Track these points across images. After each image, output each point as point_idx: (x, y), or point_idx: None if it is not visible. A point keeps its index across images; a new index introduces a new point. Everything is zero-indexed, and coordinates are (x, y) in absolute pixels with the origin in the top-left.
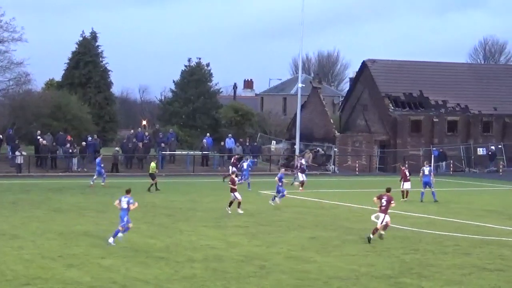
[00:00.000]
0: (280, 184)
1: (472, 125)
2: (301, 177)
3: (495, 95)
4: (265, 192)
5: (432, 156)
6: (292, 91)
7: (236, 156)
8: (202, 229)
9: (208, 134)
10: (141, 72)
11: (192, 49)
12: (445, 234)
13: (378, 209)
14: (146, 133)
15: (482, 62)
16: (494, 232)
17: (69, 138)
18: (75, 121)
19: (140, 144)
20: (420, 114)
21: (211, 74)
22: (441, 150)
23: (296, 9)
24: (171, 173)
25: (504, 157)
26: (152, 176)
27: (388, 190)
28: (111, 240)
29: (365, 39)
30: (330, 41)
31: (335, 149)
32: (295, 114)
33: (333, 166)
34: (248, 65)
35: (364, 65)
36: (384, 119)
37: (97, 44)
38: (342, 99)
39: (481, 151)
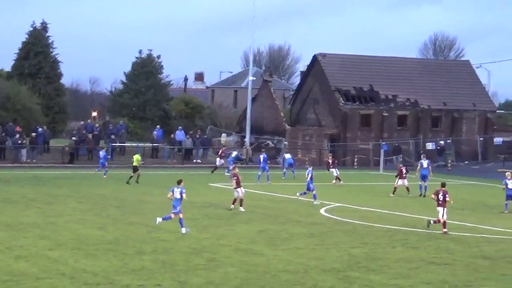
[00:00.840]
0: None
1: (421, 120)
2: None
3: (445, 90)
4: (215, 184)
5: (382, 150)
6: (243, 84)
7: (224, 149)
8: (151, 221)
9: (158, 126)
10: (91, 63)
11: (143, 41)
12: (394, 228)
13: (436, 204)
14: (96, 125)
15: (432, 57)
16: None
17: (18, 129)
18: (25, 112)
19: (90, 136)
20: (370, 109)
21: (162, 66)
22: (396, 144)
23: (248, 2)
24: (121, 165)
25: (453, 152)
26: (135, 169)
27: (443, 185)
28: (184, 230)
29: (318, 33)
30: (281, 35)
31: (285, 143)
32: (246, 107)
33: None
34: (199, 57)
35: (315, 59)
36: (334, 113)
37: (47, 34)
38: (293, 92)
39: (430, 145)
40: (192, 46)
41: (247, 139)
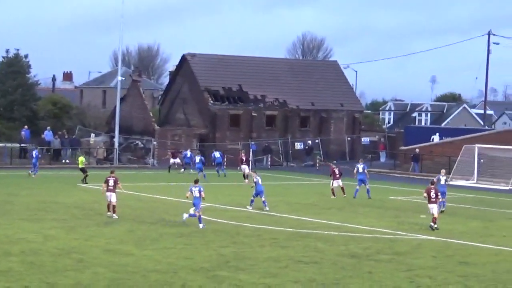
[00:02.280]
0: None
1: (290, 120)
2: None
3: (313, 91)
4: (83, 185)
5: (251, 150)
6: (112, 84)
7: (176, 148)
8: (19, 222)
9: (26, 126)
10: None
11: (10, 40)
12: (263, 227)
13: (427, 201)
14: None
15: (301, 57)
16: (310, 225)
17: None
18: None
19: None
20: (239, 109)
21: (29, 66)
22: (266, 144)
23: (117, 1)
24: None
25: (321, 151)
26: (83, 170)
27: (433, 183)
28: (201, 225)
29: (189, 33)
30: (151, 35)
31: (155, 143)
32: (115, 107)
33: (152, 160)
34: (68, 57)
35: (184, 59)
36: (204, 113)
37: None
38: (162, 92)
39: (298, 145)
40: (60, 46)
41: (116, 139)
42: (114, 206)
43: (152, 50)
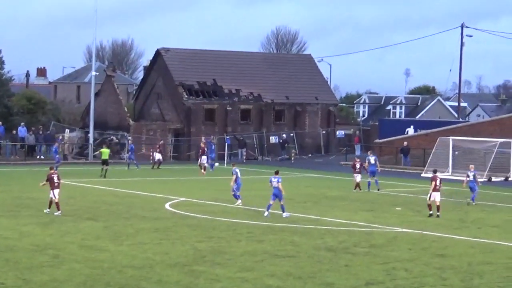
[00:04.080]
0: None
1: (265, 114)
2: None
3: (287, 84)
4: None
5: (226, 144)
6: (86, 79)
7: (161, 143)
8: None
9: (0, 122)
10: None
11: None
12: (239, 221)
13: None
14: None
15: (275, 51)
16: (286, 219)
17: None
18: None
19: None
20: (214, 103)
21: (3, 62)
22: (241, 138)
23: None
24: None
25: (296, 145)
26: (104, 162)
27: (435, 171)
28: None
29: (164, 28)
30: (126, 30)
31: (129, 138)
32: (89, 103)
33: (127, 155)
34: (42, 53)
35: (158, 53)
36: (178, 108)
37: None
38: (136, 87)
39: (273, 139)
40: (34, 41)
41: (90, 135)
42: (57, 203)
43: (126, 45)
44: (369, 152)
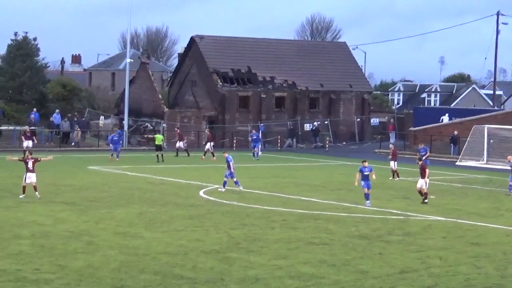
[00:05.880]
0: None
1: (299, 101)
2: None
3: (322, 72)
4: (93, 167)
5: (260, 131)
6: (121, 66)
7: (179, 131)
8: (29, 205)
9: (35, 109)
10: None
11: (19, 23)
12: (272, 209)
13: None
14: None
15: (310, 39)
16: (320, 206)
17: None
18: None
19: None
20: (248, 90)
21: (38, 49)
22: (316, 124)
23: None
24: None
25: (330, 132)
26: (158, 148)
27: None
28: (368, 202)
29: (197, 15)
30: (159, 17)
31: (164, 125)
32: (124, 90)
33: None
34: (76, 40)
35: (192, 41)
36: (213, 95)
37: None
38: (171, 74)
39: (307, 127)
40: (69, 29)
41: (125, 122)
42: (35, 186)
43: (160, 32)
44: (420, 144)
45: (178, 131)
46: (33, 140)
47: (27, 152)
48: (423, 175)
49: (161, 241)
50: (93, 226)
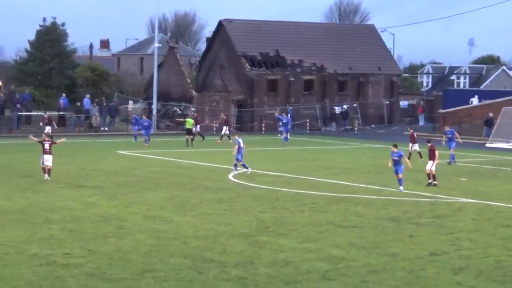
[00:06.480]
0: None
1: (327, 84)
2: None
3: (350, 55)
4: (122, 152)
5: (289, 114)
6: (149, 51)
7: (196, 115)
8: (59, 190)
9: (64, 94)
10: None
11: (47, 8)
12: (302, 192)
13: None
14: (1, 94)
15: (338, 22)
16: (349, 189)
17: None
18: None
19: None
20: (277, 74)
21: (66, 34)
22: (344, 109)
23: None
24: (27, 134)
25: (359, 115)
26: (189, 131)
27: (429, 140)
28: (401, 188)
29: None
30: (187, 1)
31: (193, 109)
32: (152, 74)
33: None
34: (104, 25)
35: (220, 24)
36: (241, 79)
37: None
38: (199, 59)
39: (337, 110)
40: (97, 14)
41: (154, 106)
42: (49, 169)
43: (188, 17)
44: (446, 127)
45: (195, 114)
46: (52, 126)
47: (43, 134)
48: (432, 158)
49: (191, 225)
50: (123, 210)
